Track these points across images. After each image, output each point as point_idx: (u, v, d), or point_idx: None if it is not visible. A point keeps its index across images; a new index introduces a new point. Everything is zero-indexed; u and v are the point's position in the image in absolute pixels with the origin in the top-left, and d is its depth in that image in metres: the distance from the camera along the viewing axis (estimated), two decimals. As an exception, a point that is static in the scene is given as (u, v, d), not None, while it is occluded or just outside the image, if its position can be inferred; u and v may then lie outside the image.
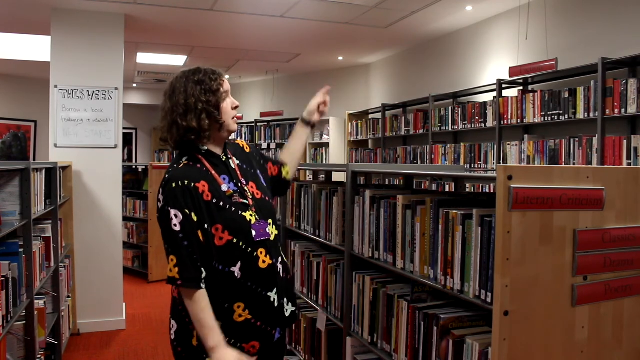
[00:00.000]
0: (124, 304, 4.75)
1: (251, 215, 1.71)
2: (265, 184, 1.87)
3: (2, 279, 2.34)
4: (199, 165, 1.70)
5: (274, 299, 1.72)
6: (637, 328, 1.46)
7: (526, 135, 4.40)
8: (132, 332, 4.53)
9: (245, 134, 8.72)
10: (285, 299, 1.78)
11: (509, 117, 4.48)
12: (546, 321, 1.33)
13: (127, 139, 10.08)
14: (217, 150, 1.77)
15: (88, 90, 4.51)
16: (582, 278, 1.37)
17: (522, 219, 1.29)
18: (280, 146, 8.19)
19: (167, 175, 1.66)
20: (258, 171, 1.89)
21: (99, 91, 4.54)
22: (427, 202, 1.81)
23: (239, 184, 1.75)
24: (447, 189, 4.73)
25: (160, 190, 1.65)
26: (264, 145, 8.38)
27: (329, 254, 2.68)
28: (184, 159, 1.70)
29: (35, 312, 2.91)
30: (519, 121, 4.37)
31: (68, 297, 4.15)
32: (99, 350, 4.09)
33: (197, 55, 6.81)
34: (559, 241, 1.34)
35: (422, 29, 5.47)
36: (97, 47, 4.54)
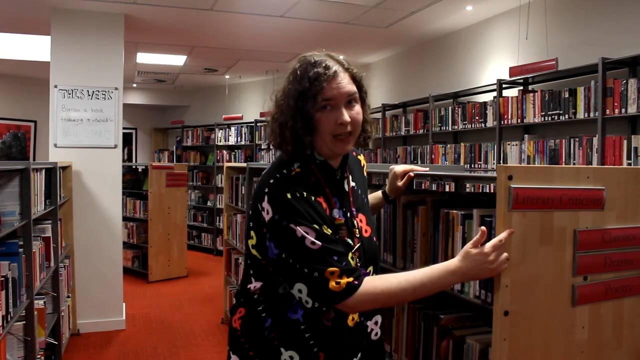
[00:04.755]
0: (124, 304, 4.75)
1: (352, 258, 1.35)
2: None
3: (2, 279, 2.34)
4: (313, 178, 1.37)
5: None
6: (637, 328, 1.46)
7: (526, 135, 4.40)
8: (132, 332, 4.53)
9: (245, 134, 8.72)
10: None
11: (509, 117, 4.48)
12: (546, 321, 1.33)
13: (127, 139, 10.08)
14: (334, 164, 1.42)
15: (88, 90, 4.51)
16: (582, 278, 1.37)
17: (522, 219, 1.29)
18: (280, 146, 8.17)
19: (272, 181, 1.34)
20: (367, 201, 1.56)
21: (98, 91, 4.54)
22: (427, 202, 1.81)
23: (349, 214, 1.42)
24: (447, 189, 4.73)
25: (267, 198, 1.32)
26: (264, 146, 8.38)
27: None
28: (295, 166, 1.38)
29: (35, 312, 2.91)
30: (519, 121, 4.37)
31: (68, 297, 4.15)
32: (99, 350, 4.08)
33: (197, 55, 6.81)
34: (559, 241, 1.34)
35: (422, 29, 5.47)
36: (97, 47, 4.54)
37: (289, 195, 1.29)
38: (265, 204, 1.31)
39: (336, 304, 1.29)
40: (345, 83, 1.36)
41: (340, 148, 1.37)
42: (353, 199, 1.45)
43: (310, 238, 1.27)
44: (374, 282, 1.31)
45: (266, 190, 1.33)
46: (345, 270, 1.28)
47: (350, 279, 1.27)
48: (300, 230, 1.27)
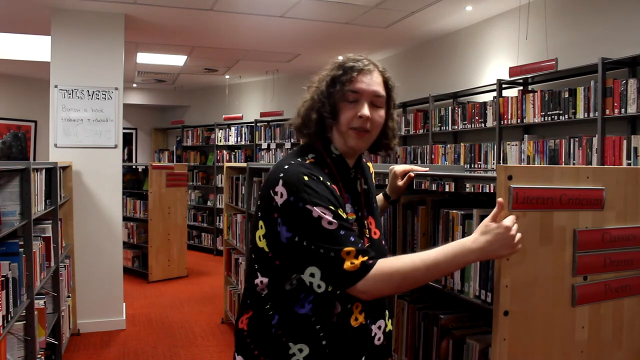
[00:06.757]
0: (124, 304, 4.76)
1: None
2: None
3: (2, 279, 2.34)
4: (327, 170, 1.39)
5: None
6: (637, 328, 1.46)
7: (526, 135, 4.40)
8: (132, 332, 4.54)
9: (245, 134, 8.72)
10: None
11: (509, 117, 4.48)
12: (546, 321, 1.33)
13: (127, 139, 10.08)
14: (350, 162, 1.45)
15: (88, 90, 4.52)
16: (582, 278, 1.37)
17: (522, 219, 1.29)
18: (280, 146, 8.19)
19: (287, 167, 1.33)
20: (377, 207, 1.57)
21: (99, 91, 4.54)
22: (427, 202, 1.82)
23: (360, 213, 1.43)
24: (447, 189, 4.73)
25: (281, 182, 1.30)
26: (264, 146, 8.38)
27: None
28: (310, 156, 1.40)
29: (35, 312, 2.91)
30: (519, 121, 4.37)
31: (68, 297, 4.15)
32: (99, 350, 4.09)
33: (197, 55, 6.81)
34: (559, 241, 1.34)
35: (422, 29, 5.47)
36: (97, 47, 4.55)
37: (305, 178, 1.30)
38: (280, 188, 1.30)
39: (350, 286, 1.26)
40: (376, 82, 1.41)
41: (354, 141, 1.38)
42: (364, 200, 1.46)
43: (328, 218, 1.26)
44: (387, 262, 1.29)
45: (281, 175, 1.32)
46: (360, 250, 1.27)
47: (365, 258, 1.26)
48: (317, 210, 1.26)
